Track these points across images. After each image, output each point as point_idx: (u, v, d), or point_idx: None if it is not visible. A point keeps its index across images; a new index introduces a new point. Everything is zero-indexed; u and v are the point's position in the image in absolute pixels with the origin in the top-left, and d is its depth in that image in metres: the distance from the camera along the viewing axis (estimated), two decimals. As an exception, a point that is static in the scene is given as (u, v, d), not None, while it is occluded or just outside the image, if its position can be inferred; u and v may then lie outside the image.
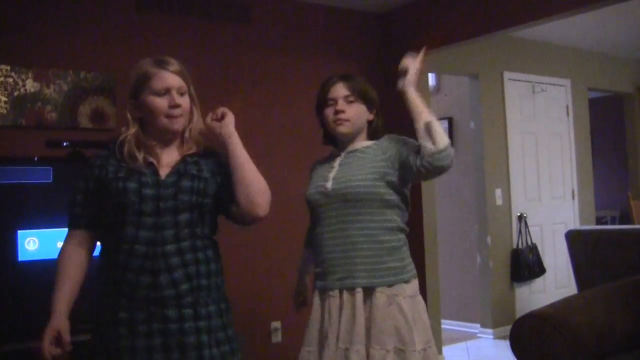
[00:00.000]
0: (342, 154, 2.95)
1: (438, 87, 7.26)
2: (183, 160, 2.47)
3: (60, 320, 2.36)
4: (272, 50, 5.30)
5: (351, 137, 2.94)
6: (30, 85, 4.20)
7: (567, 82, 7.64)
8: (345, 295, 2.78)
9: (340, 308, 2.78)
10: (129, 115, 2.46)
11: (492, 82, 6.88)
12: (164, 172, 2.43)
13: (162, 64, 2.46)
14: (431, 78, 6.92)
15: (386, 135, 2.97)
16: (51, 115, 4.27)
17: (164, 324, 2.34)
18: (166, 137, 2.47)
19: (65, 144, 4.12)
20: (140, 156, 2.40)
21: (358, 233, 2.80)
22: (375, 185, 2.80)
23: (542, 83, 7.35)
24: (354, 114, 2.90)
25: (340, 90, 2.91)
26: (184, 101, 2.46)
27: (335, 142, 3.02)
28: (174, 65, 2.48)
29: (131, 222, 2.35)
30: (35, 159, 3.83)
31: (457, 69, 6.69)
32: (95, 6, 4.53)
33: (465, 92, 6.96)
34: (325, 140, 3.09)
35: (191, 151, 2.50)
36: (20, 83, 4.18)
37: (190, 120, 2.52)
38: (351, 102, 2.90)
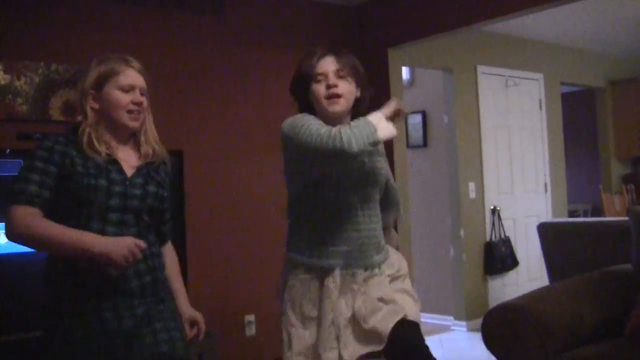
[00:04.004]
0: None
1: (412, 81, 7.28)
2: (147, 164, 2.53)
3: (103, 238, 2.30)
4: (246, 43, 5.28)
5: (342, 117, 2.68)
6: (1, 78, 4.16)
7: (540, 76, 7.69)
8: (345, 276, 2.66)
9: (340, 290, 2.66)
10: (88, 106, 2.46)
11: (465, 76, 6.91)
12: (128, 171, 2.47)
13: (129, 62, 2.51)
14: (405, 72, 6.93)
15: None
16: (22, 107, 4.23)
17: (131, 310, 2.40)
18: (121, 134, 2.50)
19: (36, 136, 4.09)
20: (102, 150, 2.41)
21: (372, 213, 2.74)
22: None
23: (516, 77, 7.39)
24: (346, 90, 2.64)
25: (330, 64, 2.65)
26: (145, 101, 2.52)
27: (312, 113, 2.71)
28: (139, 65, 2.54)
29: (97, 217, 2.36)
30: (7, 151, 3.80)
31: (430, 62, 6.71)
32: (67, -2, 4.50)
33: (439, 86, 6.98)
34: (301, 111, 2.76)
35: (153, 157, 2.55)
36: (-9, 75, 4.15)
37: (144, 122, 2.55)
38: (342, 77, 2.64)
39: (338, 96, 2.63)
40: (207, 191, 4.93)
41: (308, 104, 2.72)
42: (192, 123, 4.92)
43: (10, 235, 2.32)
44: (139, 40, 4.67)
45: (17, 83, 4.21)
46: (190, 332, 2.63)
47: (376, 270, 2.72)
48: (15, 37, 4.26)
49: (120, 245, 2.26)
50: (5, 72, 4.18)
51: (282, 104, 5.37)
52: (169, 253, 2.72)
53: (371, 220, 2.74)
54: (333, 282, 2.64)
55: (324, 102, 2.64)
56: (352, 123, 2.48)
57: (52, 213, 2.34)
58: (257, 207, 5.20)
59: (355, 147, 2.39)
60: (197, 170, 4.78)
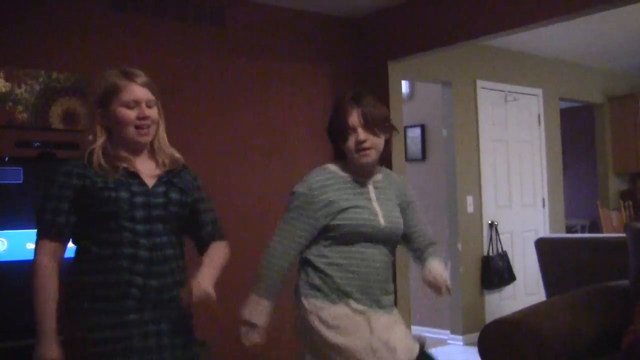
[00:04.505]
0: (370, 185, 2.86)
1: (411, 94, 7.30)
2: (167, 172, 2.53)
3: (52, 346, 2.36)
4: (245, 53, 5.30)
5: (373, 165, 2.83)
6: (2, 85, 4.17)
7: (539, 91, 7.71)
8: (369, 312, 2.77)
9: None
10: (97, 126, 2.46)
11: (465, 90, 6.92)
12: (149, 182, 2.47)
13: (130, 77, 2.47)
14: (404, 85, 6.95)
15: (410, 188, 3.09)
16: (22, 115, 4.24)
17: (172, 324, 2.47)
18: (134, 148, 2.50)
19: (36, 144, 4.10)
20: (119, 165, 2.43)
21: (385, 262, 2.87)
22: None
23: (515, 92, 7.41)
24: (374, 142, 2.75)
25: (357, 118, 2.73)
26: (153, 113, 2.50)
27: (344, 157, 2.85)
28: (142, 77, 2.50)
29: (128, 229, 2.39)
30: (6, 159, 3.81)
31: (430, 76, 6.73)
32: (68, 6, 4.51)
33: (438, 100, 7.00)
34: (336, 155, 2.89)
35: (171, 165, 2.55)
36: (-9, 82, 4.16)
37: (156, 132, 2.55)
38: (369, 129, 2.74)
39: (367, 149, 2.74)
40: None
41: (341, 149, 2.83)
42: (190, 131, 4.92)
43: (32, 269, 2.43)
44: (139, 48, 4.68)
45: (18, 91, 4.22)
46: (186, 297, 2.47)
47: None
48: (16, 45, 4.27)
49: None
50: (6, 79, 4.19)
51: (280, 113, 5.43)
52: (216, 248, 2.73)
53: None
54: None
55: (355, 155, 2.76)
56: (259, 272, 2.89)
57: (86, 229, 2.42)
58: (254, 219, 5.20)
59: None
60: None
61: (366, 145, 2.73)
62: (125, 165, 2.44)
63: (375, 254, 2.79)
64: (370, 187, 2.85)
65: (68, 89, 4.40)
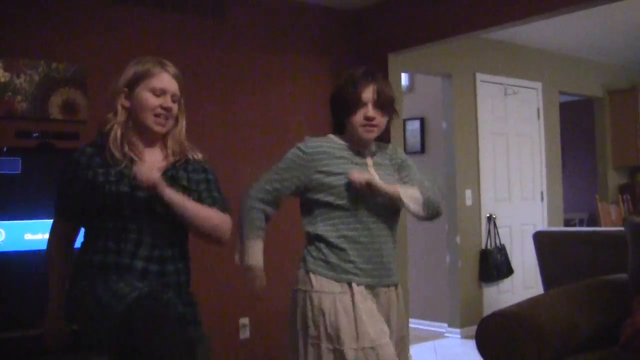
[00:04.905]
0: (369, 157, 2.88)
1: (411, 87, 7.29)
2: (172, 166, 2.55)
3: (55, 320, 2.56)
4: (246, 47, 5.29)
5: (371, 141, 2.88)
6: (1, 75, 4.16)
7: (538, 85, 7.71)
8: (368, 291, 2.79)
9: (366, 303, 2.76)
10: (119, 103, 2.50)
11: (464, 83, 6.92)
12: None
13: (165, 66, 2.53)
14: (404, 78, 6.94)
15: (400, 150, 3.07)
16: (21, 105, 4.23)
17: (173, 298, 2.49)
18: (148, 136, 2.53)
19: (35, 134, 4.10)
20: (125, 149, 2.45)
21: (389, 235, 2.92)
22: None
23: (514, 85, 7.40)
24: (381, 121, 2.80)
25: (371, 93, 2.76)
26: (175, 107, 2.54)
27: (343, 129, 2.88)
28: (175, 70, 2.56)
29: (130, 221, 2.44)
30: (4, 149, 3.80)
31: (430, 69, 6.72)
32: (68, -3, 4.50)
33: (438, 93, 6.99)
34: (334, 128, 2.93)
35: (177, 157, 2.57)
36: (-10, 72, 4.15)
37: (173, 126, 2.58)
38: (378, 108, 2.78)
39: (374, 127, 2.79)
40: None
41: (341, 121, 2.86)
42: (191, 124, 4.90)
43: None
44: (139, 40, 4.67)
45: (17, 81, 4.21)
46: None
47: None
48: (16, 35, 4.26)
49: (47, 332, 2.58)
50: (6, 69, 4.18)
51: (281, 105, 5.42)
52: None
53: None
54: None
55: (360, 129, 2.78)
56: (243, 218, 2.86)
57: (91, 217, 2.49)
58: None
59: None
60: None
61: (374, 122, 2.77)
62: (131, 153, 2.46)
63: (379, 226, 2.84)
64: (369, 161, 2.87)
65: (68, 79, 4.39)
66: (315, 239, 2.80)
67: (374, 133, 2.81)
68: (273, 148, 5.34)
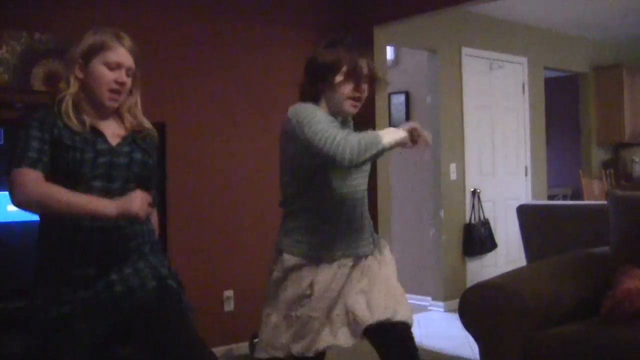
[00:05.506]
0: (346, 122, 2.85)
1: (396, 61, 7.27)
2: (132, 133, 2.53)
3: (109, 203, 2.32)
4: (228, 18, 5.23)
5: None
6: (-18, 45, 4.11)
7: (524, 60, 7.71)
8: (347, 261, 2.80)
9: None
10: (72, 74, 2.46)
11: (450, 58, 6.91)
12: (113, 141, 2.48)
13: (121, 39, 2.48)
14: (389, 51, 6.91)
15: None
16: (3, 76, 4.18)
17: (119, 273, 2.43)
18: (99, 110, 2.49)
19: (18, 105, 4.06)
20: (85, 120, 2.42)
21: (363, 203, 2.86)
22: None
23: (500, 60, 7.40)
24: (365, 97, 2.78)
25: (365, 67, 2.72)
26: (129, 82, 2.51)
27: (315, 98, 2.78)
28: (131, 44, 2.51)
29: (83, 186, 2.36)
30: (-16, 120, 3.76)
31: (415, 43, 6.70)
32: (50, -34, 4.44)
33: (423, 67, 6.98)
34: (304, 95, 2.83)
35: (138, 128, 2.55)
36: (-29, 42, 4.10)
37: (126, 99, 2.54)
38: (366, 82, 2.75)
39: (359, 101, 2.74)
40: (189, 165, 4.91)
41: (315, 91, 2.76)
42: (174, 96, 4.88)
43: (19, 198, 2.31)
44: (124, 12, 4.62)
45: (-1, 51, 4.16)
46: None
47: None
48: (-3, 5, 4.21)
49: (134, 201, 2.29)
50: (-13, 39, 4.12)
51: (264, 78, 5.39)
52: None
53: None
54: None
55: (346, 102, 2.72)
56: (361, 136, 2.51)
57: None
58: (239, 183, 5.19)
59: (349, 161, 2.47)
60: (180, 143, 4.74)
61: (363, 96, 2.74)
62: (91, 122, 2.44)
63: (355, 197, 2.80)
64: (349, 125, 2.86)
65: (50, 50, 4.33)
66: None
67: (357, 109, 2.77)
68: (255, 120, 5.33)
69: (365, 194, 2.88)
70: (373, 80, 2.77)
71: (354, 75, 2.70)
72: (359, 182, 2.82)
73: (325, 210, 2.75)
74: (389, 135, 2.54)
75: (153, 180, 2.62)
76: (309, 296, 2.73)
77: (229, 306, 5.13)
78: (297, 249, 2.77)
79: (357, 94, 2.72)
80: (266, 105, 5.34)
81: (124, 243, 2.45)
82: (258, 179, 5.17)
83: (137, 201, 2.29)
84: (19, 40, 4.23)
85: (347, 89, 2.70)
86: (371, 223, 2.95)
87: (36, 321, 2.41)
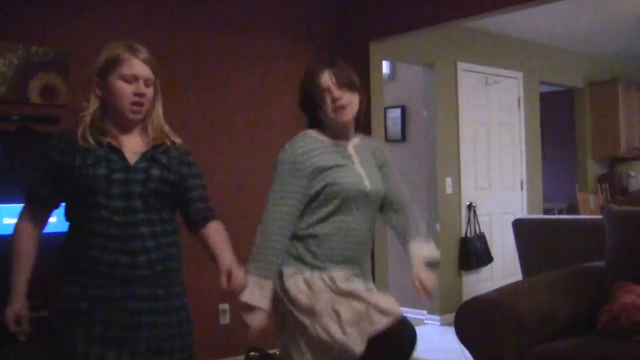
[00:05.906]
0: (351, 147, 2.91)
1: (392, 75, 7.29)
2: (152, 148, 2.50)
3: (20, 303, 2.44)
4: (227, 31, 5.26)
5: (349, 123, 2.89)
6: (-21, 58, 4.12)
7: (519, 74, 7.73)
8: None
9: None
10: (92, 94, 2.46)
11: (446, 72, 6.93)
12: (131, 158, 2.45)
13: (134, 51, 2.47)
14: (386, 66, 6.94)
15: (379, 143, 3.14)
16: (0, 89, 4.19)
17: (139, 302, 2.43)
18: (123, 124, 2.48)
19: (14, 118, 4.06)
20: (103, 140, 2.42)
21: (368, 233, 2.97)
22: None
23: (495, 75, 7.42)
24: (349, 100, 2.80)
25: (329, 78, 2.80)
26: (149, 92, 2.49)
27: (320, 125, 2.90)
28: (145, 54, 2.51)
29: (104, 206, 2.38)
30: (-18, 132, 3.77)
31: (411, 57, 6.72)
32: (48, -21, 4.45)
33: (420, 81, 7.00)
34: (310, 125, 2.94)
35: (159, 142, 2.53)
36: (-31, 55, 4.11)
37: (150, 111, 2.54)
38: (342, 88, 2.79)
39: (343, 107, 2.79)
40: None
41: (316, 117, 2.88)
42: (170, 107, 4.87)
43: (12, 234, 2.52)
44: (122, 24, 4.64)
45: (-4, 64, 4.17)
46: (226, 284, 2.65)
47: None
48: (-5, 18, 4.22)
49: (8, 316, 2.41)
50: (-16, 52, 4.13)
51: (262, 91, 5.40)
52: (213, 229, 2.76)
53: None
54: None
55: (332, 114, 2.80)
56: (254, 252, 2.86)
57: (70, 206, 2.48)
58: (234, 197, 5.19)
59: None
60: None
61: (343, 102, 2.78)
62: (109, 140, 2.43)
63: (360, 220, 2.86)
64: (352, 151, 2.89)
65: (47, 63, 4.35)
66: None
67: (348, 115, 2.82)
68: (254, 133, 5.34)
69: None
70: (345, 83, 2.80)
71: (316, 93, 2.81)
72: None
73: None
74: (254, 291, 2.79)
75: (195, 191, 2.64)
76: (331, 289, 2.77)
77: (225, 319, 5.12)
78: (300, 261, 2.82)
79: (335, 104, 2.78)
80: (264, 117, 5.35)
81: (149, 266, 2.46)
82: (254, 192, 5.16)
83: (10, 319, 2.42)
84: (16, 52, 4.24)
85: (327, 102, 2.79)
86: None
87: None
